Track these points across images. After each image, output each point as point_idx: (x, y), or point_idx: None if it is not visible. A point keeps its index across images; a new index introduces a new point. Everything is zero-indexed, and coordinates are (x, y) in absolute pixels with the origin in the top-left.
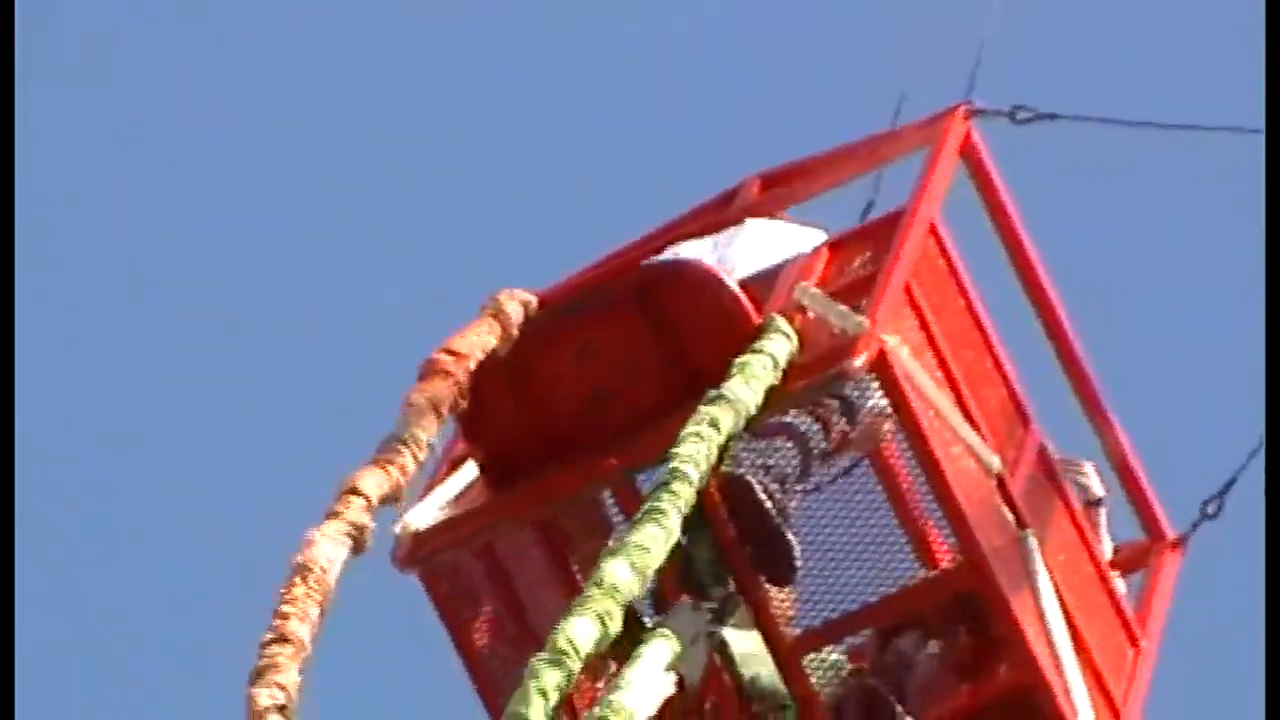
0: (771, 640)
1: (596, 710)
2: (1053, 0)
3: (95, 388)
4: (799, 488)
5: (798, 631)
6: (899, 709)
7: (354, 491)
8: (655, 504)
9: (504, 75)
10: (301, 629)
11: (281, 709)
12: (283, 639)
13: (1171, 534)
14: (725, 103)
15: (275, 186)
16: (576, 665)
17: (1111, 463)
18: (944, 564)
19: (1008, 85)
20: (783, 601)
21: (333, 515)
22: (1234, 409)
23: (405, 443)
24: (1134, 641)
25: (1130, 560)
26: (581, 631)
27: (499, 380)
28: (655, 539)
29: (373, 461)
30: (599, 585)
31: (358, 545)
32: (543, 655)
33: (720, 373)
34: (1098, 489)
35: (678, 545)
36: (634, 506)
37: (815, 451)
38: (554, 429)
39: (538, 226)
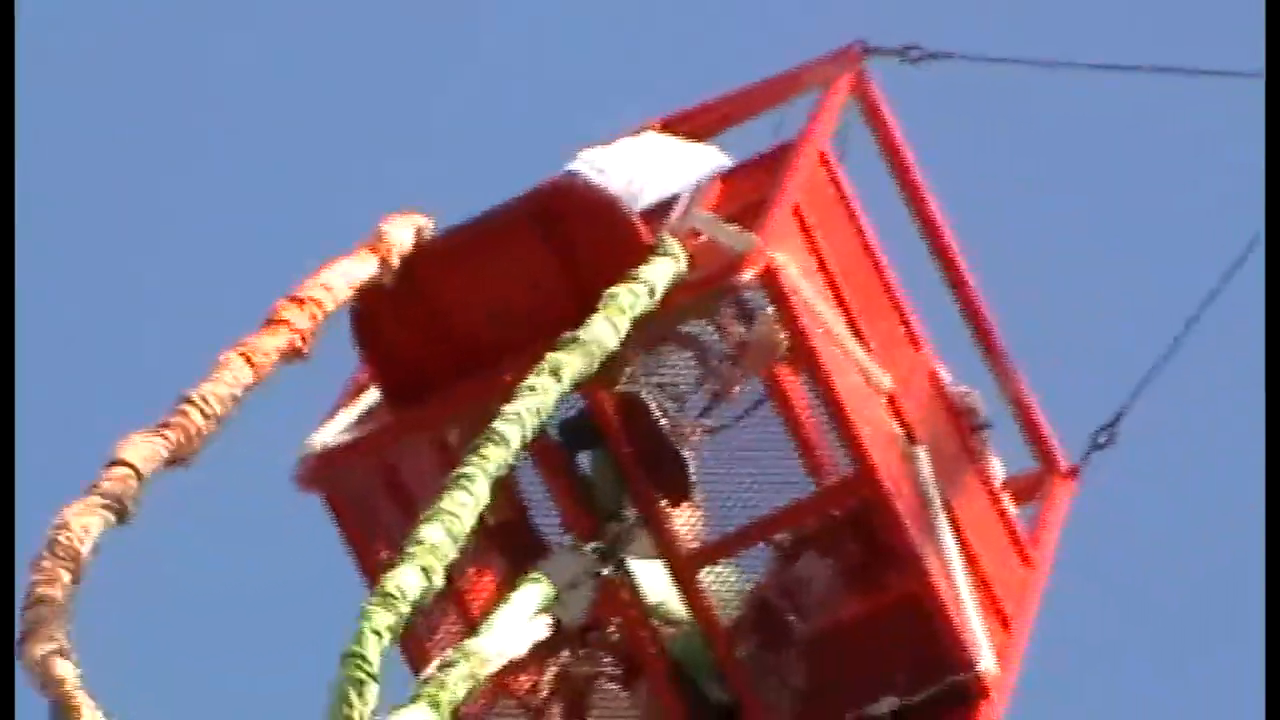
0: (670, 558)
1: (451, 652)
2: None
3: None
4: (702, 414)
5: (694, 547)
6: (791, 619)
7: (117, 463)
8: (463, 470)
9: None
10: (54, 592)
11: (62, 652)
12: (39, 601)
13: (1064, 464)
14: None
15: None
16: (406, 609)
17: (1005, 393)
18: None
19: (917, 27)
20: (687, 524)
21: (91, 487)
22: (1126, 342)
23: (193, 403)
24: (1026, 561)
25: (1025, 489)
26: (408, 580)
27: (394, 302)
28: (464, 506)
29: (147, 429)
30: (419, 543)
31: (119, 514)
32: (374, 598)
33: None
34: (983, 413)
35: (580, 472)
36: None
37: (715, 360)
38: (453, 348)
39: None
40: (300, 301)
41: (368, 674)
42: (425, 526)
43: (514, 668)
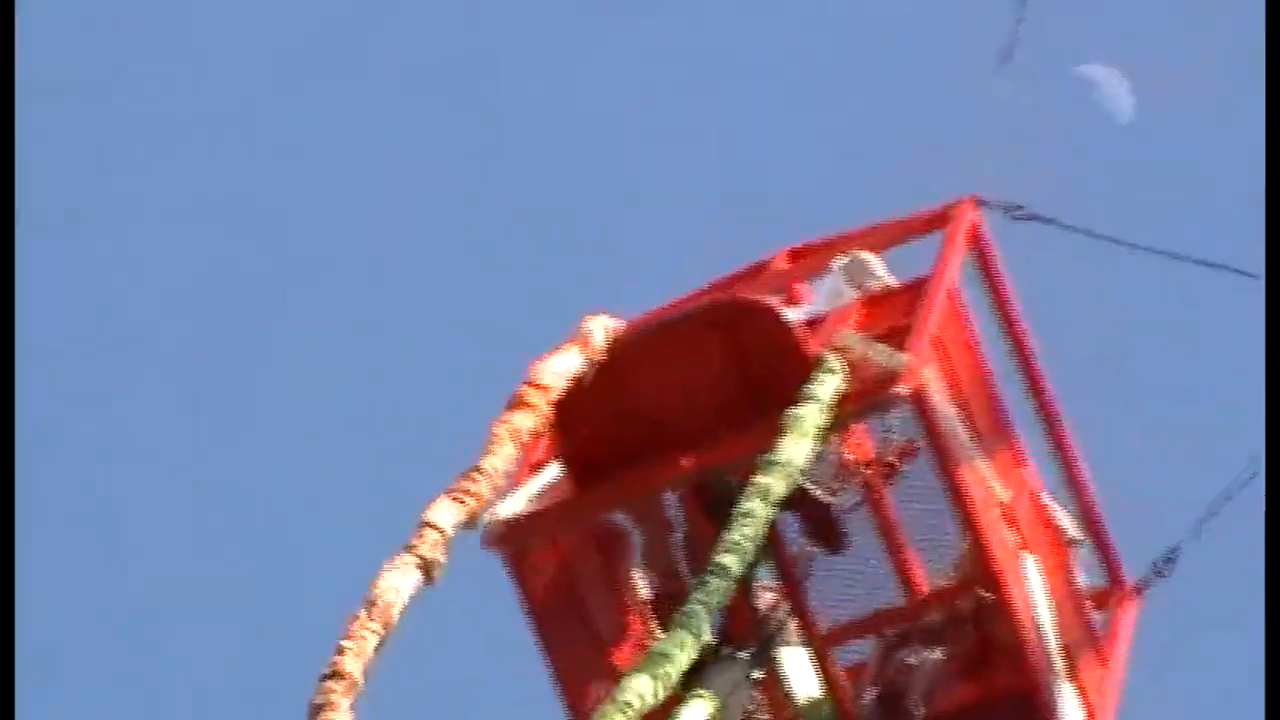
0: (809, 636)
1: None
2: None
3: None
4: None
5: (831, 626)
6: (911, 699)
7: (429, 525)
8: (689, 608)
9: None
10: (355, 664)
11: None
12: (337, 675)
13: (1130, 582)
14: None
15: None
16: None
17: (1081, 514)
18: (957, 577)
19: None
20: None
21: (408, 548)
22: (1191, 470)
23: (483, 473)
24: (1104, 663)
25: (1099, 599)
26: None
27: (586, 391)
28: (683, 644)
29: (449, 493)
30: (615, 700)
31: (428, 576)
32: None
33: (778, 392)
34: (1074, 531)
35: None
36: (695, 508)
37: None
38: (633, 436)
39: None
40: (542, 389)
41: None
42: (632, 678)
43: None
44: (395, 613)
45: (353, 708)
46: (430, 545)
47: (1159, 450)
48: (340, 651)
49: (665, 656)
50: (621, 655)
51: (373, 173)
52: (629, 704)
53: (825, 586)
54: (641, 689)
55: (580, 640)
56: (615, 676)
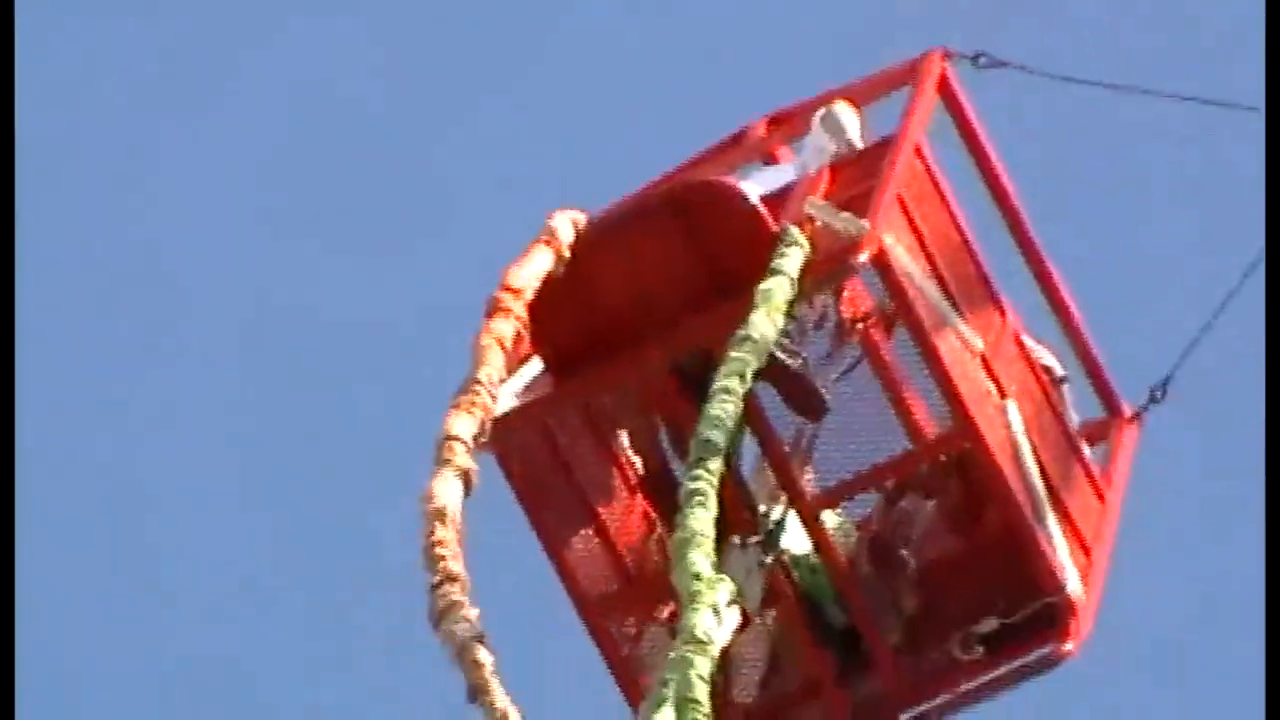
0: (795, 500)
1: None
2: None
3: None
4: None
5: (819, 490)
6: (902, 552)
7: (454, 438)
8: (695, 486)
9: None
10: (458, 566)
11: (479, 638)
12: (449, 578)
13: (1128, 411)
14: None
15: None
16: (715, 650)
17: (1074, 348)
18: (937, 432)
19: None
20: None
21: (444, 462)
22: (1182, 298)
23: (481, 384)
24: (1100, 496)
25: (1096, 433)
26: (707, 621)
27: (556, 287)
28: (706, 522)
29: (458, 405)
30: (697, 578)
31: (468, 486)
32: (686, 646)
33: (744, 273)
34: (1060, 369)
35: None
36: (674, 391)
37: (809, 328)
38: (604, 326)
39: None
40: (516, 292)
41: (704, 715)
42: (690, 558)
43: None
44: (460, 519)
45: (478, 615)
46: (462, 455)
47: (1151, 283)
48: (438, 559)
49: (703, 535)
50: (622, 526)
51: None
52: (711, 582)
53: (833, 447)
54: (703, 567)
55: (573, 513)
56: (609, 540)
